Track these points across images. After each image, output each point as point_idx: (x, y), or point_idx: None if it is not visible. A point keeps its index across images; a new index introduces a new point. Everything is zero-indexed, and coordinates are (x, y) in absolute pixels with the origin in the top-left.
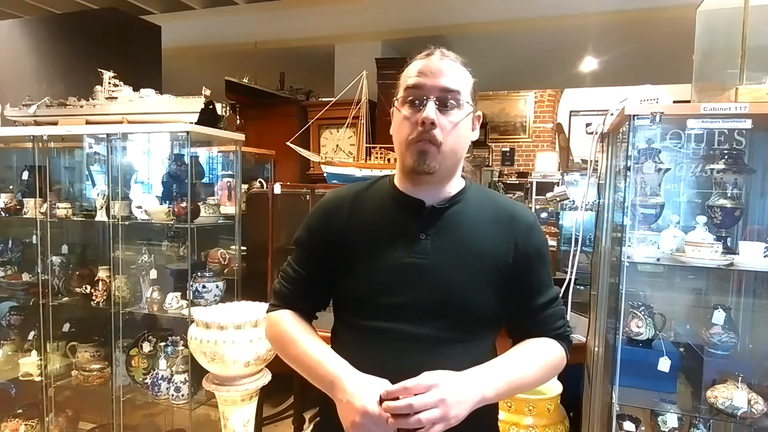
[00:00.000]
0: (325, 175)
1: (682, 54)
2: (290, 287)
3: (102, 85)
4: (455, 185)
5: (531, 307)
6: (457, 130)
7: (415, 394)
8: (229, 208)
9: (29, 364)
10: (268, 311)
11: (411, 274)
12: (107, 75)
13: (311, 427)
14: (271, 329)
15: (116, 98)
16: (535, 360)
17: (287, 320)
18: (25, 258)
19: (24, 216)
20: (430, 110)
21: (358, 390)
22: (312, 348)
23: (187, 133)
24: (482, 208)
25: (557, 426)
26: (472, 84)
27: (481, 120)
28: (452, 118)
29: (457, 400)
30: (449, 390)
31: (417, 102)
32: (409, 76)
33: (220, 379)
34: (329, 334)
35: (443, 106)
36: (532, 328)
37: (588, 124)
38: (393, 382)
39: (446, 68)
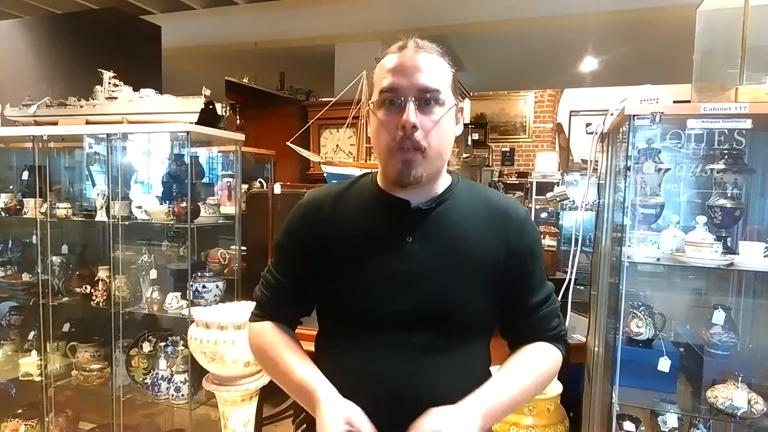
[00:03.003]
0: (325, 175)
1: (682, 54)
2: (271, 296)
3: (102, 85)
4: (442, 183)
5: (525, 308)
6: (441, 129)
7: None
8: (229, 208)
9: (29, 364)
10: (250, 320)
11: (398, 281)
12: (107, 75)
13: None
14: (254, 341)
15: (116, 98)
16: (532, 374)
17: (269, 333)
18: (25, 258)
19: (24, 216)
20: (410, 113)
21: (328, 419)
22: (296, 366)
23: (187, 133)
24: (471, 206)
25: (557, 426)
26: (451, 76)
27: (464, 112)
28: (434, 116)
29: None
30: None
31: (394, 104)
32: (384, 76)
33: (220, 379)
34: (314, 332)
35: (424, 105)
36: (526, 330)
37: (588, 124)
38: (383, 395)
39: (423, 63)
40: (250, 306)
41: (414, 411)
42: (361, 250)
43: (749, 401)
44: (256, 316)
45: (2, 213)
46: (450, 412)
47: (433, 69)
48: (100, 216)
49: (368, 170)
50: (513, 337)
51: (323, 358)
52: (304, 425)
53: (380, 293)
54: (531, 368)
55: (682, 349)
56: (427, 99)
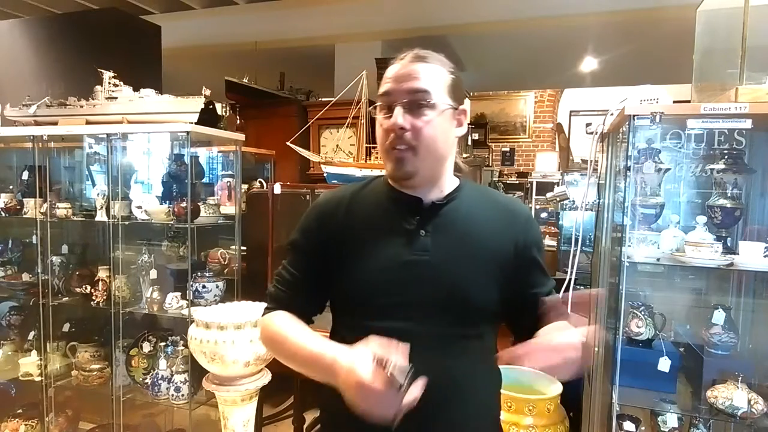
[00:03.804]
0: (325, 175)
1: (682, 54)
2: (286, 290)
3: (102, 85)
4: (449, 184)
5: (536, 299)
6: (432, 130)
7: None
8: (229, 208)
9: (29, 364)
10: (263, 315)
11: (413, 272)
12: (107, 75)
13: None
14: (266, 330)
15: (116, 98)
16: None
17: (282, 320)
18: (25, 258)
19: (24, 216)
20: (398, 116)
21: (350, 362)
22: (309, 341)
23: (187, 133)
24: (479, 204)
25: (557, 426)
26: (449, 81)
27: (467, 114)
28: (425, 117)
29: None
30: None
31: (388, 108)
32: (383, 83)
33: (220, 379)
34: (328, 335)
35: (415, 108)
36: (537, 319)
37: (588, 124)
38: None
39: (416, 71)
40: (250, 306)
41: (430, 398)
42: (376, 244)
43: (749, 401)
44: (269, 310)
45: (2, 213)
46: None
47: (426, 75)
48: (100, 216)
49: (379, 172)
50: (524, 328)
51: None
52: (318, 426)
53: (396, 284)
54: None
55: (682, 349)
56: (416, 101)
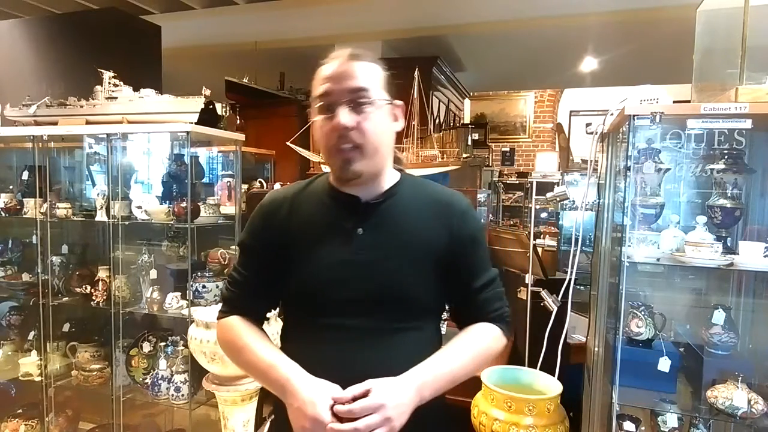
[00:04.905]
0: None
1: (682, 54)
2: (238, 291)
3: (102, 85)
4: (389, 179)
5: (469, 290)
6: (375, 126)
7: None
8: (229, 208)
9: (29, 364)
10: (218, 318)
11: (351, 271)
12: (107, 75)
13: (268, 425)
14: (222, 335)
15: (116, 98)
16: (470, 351)
17: (238, 326)
18: (25, 258)
19: (24, 216)
20: (343, 116)
21: (309, 396)
22: (263, 353)
23: (187, 133)
24: (416, 199)
25: (557, 426)
26: (383, 77)
27: (403, 109)
28: (367, 115)
29: (400, 412)
30: (393, 405)
31: (329, 109)
32: (319, 84)
33: (220, 379)
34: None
35: (357, 106)
36: (472, 311)
37: (588, 124)
38: (342, 376)
39: (353, 69)
40: None
41: None
42: (316, 243)
43: (749, 401)
44: (224, 313)
45: (2, 213)
46: (389, 385)
47: (363, 73)
48: (100, 216)
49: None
50: (460, 319)
51: (287, 347)
52: (273, 416)
53: (335, 282)
54: (470, 345)
55: (682, 349)
56: (358, 100)
